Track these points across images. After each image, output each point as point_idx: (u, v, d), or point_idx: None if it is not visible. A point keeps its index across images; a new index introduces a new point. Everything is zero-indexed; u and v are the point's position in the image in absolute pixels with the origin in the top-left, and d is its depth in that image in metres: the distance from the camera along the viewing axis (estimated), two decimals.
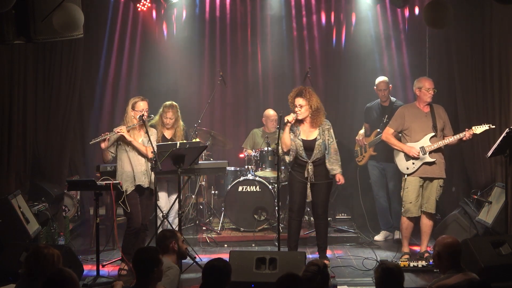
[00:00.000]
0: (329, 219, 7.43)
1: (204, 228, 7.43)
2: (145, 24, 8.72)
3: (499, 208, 6.19)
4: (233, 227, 7.44)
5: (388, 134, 6.38)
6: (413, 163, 6.17)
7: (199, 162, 6.54)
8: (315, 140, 6.08)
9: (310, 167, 6.06)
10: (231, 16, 8.81)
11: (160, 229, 5.97)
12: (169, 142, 6.57)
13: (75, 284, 3.55)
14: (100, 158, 6.34)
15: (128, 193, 5.97)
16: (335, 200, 7.95)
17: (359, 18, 8.58)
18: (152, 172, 6.05)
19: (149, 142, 5.99)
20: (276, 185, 6.67)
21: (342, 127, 8.47)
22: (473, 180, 7.07)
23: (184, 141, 6.54)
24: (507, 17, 6.54)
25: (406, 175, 6.22)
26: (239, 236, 7.25)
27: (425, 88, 6.23)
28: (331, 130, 6.15)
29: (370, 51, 8.53)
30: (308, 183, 6.07)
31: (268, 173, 7.41)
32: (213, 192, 7.88)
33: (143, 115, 6.02)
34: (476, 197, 6.67)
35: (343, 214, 7.92)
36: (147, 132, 6.01)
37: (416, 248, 6.56)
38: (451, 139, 6.13)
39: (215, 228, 7.43)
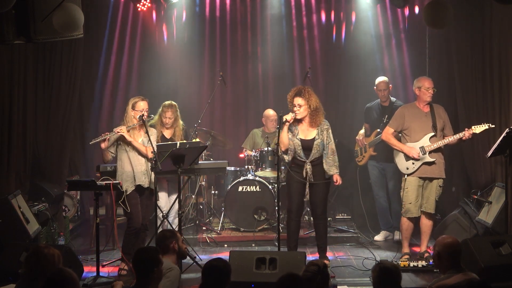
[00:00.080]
0: (329, 219, 7.46)
1: (204, 228, 7.43)
2: (145, 24, 8.73)
3: (499, 208, 6.19)
4: (233, 227, 7.44)
5: (388, 134, 6.38)
6: (413, 163, 6.17)
7: (199, 162, 6.54)
8: (313, 139, 6.08)
9: (308, 166, 6.06)
10: (231, 16, 8.81)
11: (160, 229, 5.97)
12: (169, 142, 6.57)
13: (76, 284, 3.56)
14: (100, 158, 6.34)
15: (128, 193, 5.97)
16: (335, 200, 7.96)
17: (359, 17, 8.58)
18: (152, 172, 6.05)
19: (149, 142, 5.99)
20: (276, 185, 6.67)
21: (342, 127, 8.49)
22: (473, 180, 7.07)
23: (184, 141, 6.54)
24: (507, 17, 6.54)
25: (406, 175, 6.22)
26: (239, 236, 7.25)
27: (425, 87, 6.23)
28: (330, 131, 6.15)
29: (370, 50, 8.53)
30: (307, 183, 6.07)
31: (268, 173, 7.41)
32: (213, 192, 7.88)
33: (143, 115, 6.02)
34: (476, 197, 6.67)
35: (343, 214, 7.92)
36: (147, 132, 6.01)
37: (416, 249, 6.55)
38: (450, 139, 6.13)
39: (215, 228, 7.43)
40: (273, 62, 8.81)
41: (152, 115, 6.39)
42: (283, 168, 6.59)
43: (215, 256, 6.05)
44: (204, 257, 6.42)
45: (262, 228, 7.32)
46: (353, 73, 8.64)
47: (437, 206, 6.34)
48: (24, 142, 6.80)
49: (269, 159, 7.37)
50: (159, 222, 6.36)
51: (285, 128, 6.03)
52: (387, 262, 3.92)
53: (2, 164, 6.41)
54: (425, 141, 6.16)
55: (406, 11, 8.48)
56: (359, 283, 5.56)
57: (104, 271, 6.04)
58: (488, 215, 6.33)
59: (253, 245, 7.07)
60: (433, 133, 6.17)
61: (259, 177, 7.36)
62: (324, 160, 6.10)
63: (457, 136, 6.11)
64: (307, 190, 6.08)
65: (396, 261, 5.93)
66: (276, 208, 6.35)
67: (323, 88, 8.71)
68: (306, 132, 6.12)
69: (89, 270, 6.01)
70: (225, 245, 7.07)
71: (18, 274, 4.23)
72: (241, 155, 7.79)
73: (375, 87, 7.31)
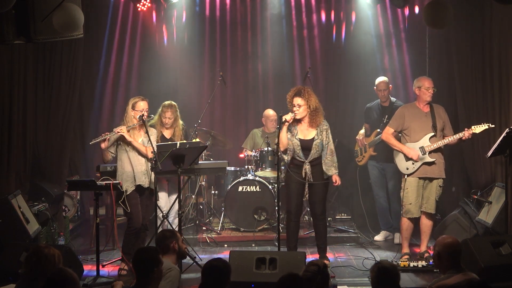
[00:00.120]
0: (329, 219, 7.48)
1: (204, 228, 7.43)
2: (145, 24, 8.73)
3: (499, 208, 6.19)
4: (233, 227, 7.44)
5: (388, 134, 6.38)
6: (413, 164, 6.16)
7: (199, 162, 6.54)
8: (312, 140, 6.08)
9: (307, 167, 6.06)
10: (231, 16, 8.81)
11: (160, 229, 5.97)
12: (169, 142, 6.57)
13: (76, 284, 3.56)
14: (100, 158, 6.35)
15: (128, 193, 5.97)
16: (335, 200, 7.96)
17: (359, 17, 8.58)
18: (152, 172, 6.05)
19: (149, 142, 5.99)
20: (276, 185, 6.67)
21: (342, 127, 8.49)
22: (473, 180, 7.07)
23: (184, 141, 6.55)
24: (507, 17, 6.54)
25: (406, 176, 6.22)
26: (239, 236, 7.25)
27: (425, 87, 6.23)
28: (329, 131, 6.14)
29: (370, 50, 8.53)
30: (306, 184, 6.06)
31: (268, 173, 7.41)
32: (213, 192, 7.88)
33: (143, 115, 6.02)
34: (476, 197, 6.66)
35: (343, 214, 7.91)
36: (147, 132, 6.01)
37: (417, 249, 6.55)
38: (450, 139, 6.13)
39: (215, 228, 7.43)
40: (273, 62, 8.80)
41: (152, 115, 6.39)
42: (283, 168, 6.59)
43: (215, 256, 6.06)
44: (204, 257, 6.42)
45: (262, 228, 7.31)
46: (353, 73, 8.63)
47: (437, 206, 6.33)
48: (24, 142, 6.80)
49: (269, 159, 7.37)
50: (159, 222, 6.36)
51: (284, 128, 6.02)
52: (385, 262, 3.92)
53: (2, 164, 6.41)
54: (425, 141, 6.16)
55: (406, 11, 8.48)
56: (359, 283, 5.55)
57: (104, 271, 6.04)
58: (488, 215, 6.33)
59: (253, 245, 7.07)
60: (433, 133, 6.17)
61: (259, 177, 7.36)
62: (323, 161, 6.09)
63: (457, 136, 6.11)
64: (306, 190, 6.08)
65: (396, 261, 5.94)
66: (276, 208, 6.35)
67: (323, 88, 8.71)
68: (305, 132, 6.12)
69: (89, 270, 6.02)
70: (225, 245, 7.07)
71: (18, 274, 4.23)
72: (241, 155, 7.79)
73: (375, 87, 7.31)
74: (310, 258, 6.06)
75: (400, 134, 6.36)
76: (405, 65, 8.54)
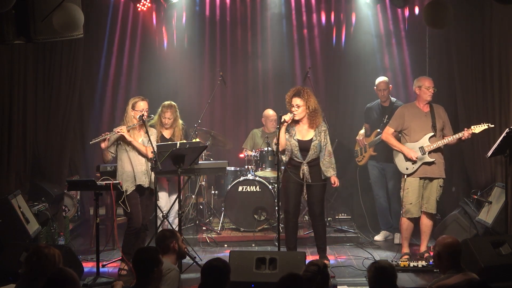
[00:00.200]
0: (329, 219, 7.49)
1: (204, 228, 7.43)
2: (145, 24, 8.73)
3: (499, 208, 6.18)
4: (233, 227, 7.44)
5: (388, 134, 6.38)
6: (413, 164, 6.16)
7: (199, 162, 6.54)
8: (311, 140, 6.07)
9: (305, 167, 6.05)
10: (231, 15, 8.82)
11: (160, 229, 5.97)
12: (169, 142, 6.57)
13: (76, 283, 3.56)
14: (100, 158, 6.35)
15: (128, 193, 5.97)
16: (335, 200, 7.95)
17: (359, 18, 8.59)
18: (152, 172, 6.05)
19: (149, 142, 5.99)
20: (276, 185, 6.67)
21: (342, 127, 8.50)
22: (473, 180, 7.07)
23: (184, 141, 6.55)
24: (507, 17, 6.54)
25: (405, 176, 6.22)
26: (239, 236, 7.25)
27: (425, 86, 6.23)
28: (327, 133, 6.14)
29: (370, 50, 8.54)
30: (304, 184, 6.06)
31: (268, 173, 7.41)
32: (213, 192, 7.88)
33: (143, 115, 6.02)
34: (476, 197, 6.66)
35: (343, 214, 7.91)
36: (147, 132, 6.01)
37: (417, 250, 6.55)
38: (450, 139, 6.13)
39: (215, 228, 7.43)
40: (273, 62, 8.80)
41: (152, 115, 6.39)
42: (283, 168, 6.59)
43: (215, 256, 6.05)
44: (204, 257, 6.42)
45: (262, 228, 7.31)
46: (353, 73, 8.64)
47: (437, 206, 6.33)
48: (24, 142, 6.80)
49: (269, 159, 7.37)
50: (159, 222, 6.36)
51: (283, 128, 6.01)
52: (382, 262, 3.92)
53: (2, 164, 6.41)
54: (424, 141, 6.16)
55: (406, 11, 8.48)
56: (359, 283, 5.55)
57: (104, 271, 6.04)
58: (488, 215, 6.33)
59: (253, 245, 7.07)
60: (432, 133, 6.17)
61: (259, 177, 7.36)
62: (321, 162, 6.09)
63: (456, 136, 6.11)
64: (304, 191, 6.08)
65: (396, 261, 5.94)
66: (276, 208, 6.35)
67: (323, 88, 8.71)
68: (304, 133, 6.11)
69: (89, 270, 6.01)
70: (225, 245, 7.07)
71: (18, 274, 4.23)
72: (241, 155, 7.79)
73: (375, 87, 7.31)
74: (310, 258, 6.07)
75: (400, 134, 6.36)
76: (405, 65, 8.55)
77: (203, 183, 7.66)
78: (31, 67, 6.95)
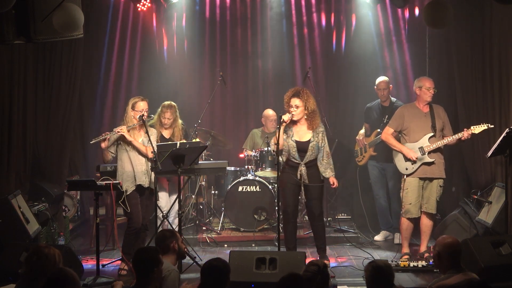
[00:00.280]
0: (329, 219, 7.49)
1: (204, 228, 7.43)
2: (145, 24, 8.74)
3: (499, 208, 6.18)
4: (233, 227, 7.44)
5: (387, 134, 6.38)
6: (412, 164, 6.16)
7: (199, 162, 6.54)
8: (308, 141, 6.07)
9: (302, 168, 6.05)
10: (231, 15, 8.82)
11: (160, 229, 5.97)
12: (169, 142, 6.57)
13: (76, 283, 3.56)
14: (100, 158, 6.35)
15: (128, 193, 5.97)
16: (335, 200, 7.95)
17: (359, 18, 8.60)
18: (152, 172, 6.05)
19: (149, 142, 5.99)
20: (276, 185, 6.67)
21: (342, 127, 8.50)
22: (473, 180, 7.07)
23: (184, 141, 6.55)
24: (507, 17, 6.54)
25: (405, 176, 6.22)
26: (239, 236, 7.25)
27: (425, 87, 6.23)
28: (325, 134, 6.15)
29: (370, 50, 8.55)
30: (302, 185, 6.05)
31: (268, 173, 7.41)
32: (213, 192, 7.88)
33: (143, 115, 6.02)
34: (476, 197, 6.66)
35: (343, 214, 7.92)
36: (147, 132, 6.01)
37: (417, 249, 6.55)
38: (449, 139, 6.13)
39: (215, 228, 7.43)
40: (273, 61, 8.81)
41: (152, 115, 6.39)
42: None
43: (215, 256, 6.05)
44: (204, 257, 6.42)
45: (262, 228, 7.31)
46: (353, 73, 8.65)
47: (437, 206, 6.33)
48: (24, 142, 6.80)
49: (269, 159, 7.37)
50: (159, 222, 6.36)
51: (282, 128, 6.01)
52: (379, 261, 3.92)
53: (2, 164, 6.40)
54: (424, 141, 6.16)
55: (406, 11, 8.49)
56: (359, 283, 5.54)
57: (104, 271, 6.04)
58: (488, 215, 6.33)
59: (253, 245, 7.07)
60: (432, 134, 6.17)
61: (259, 177, 7.36)
62: (319, 163, 6.09)
63: (456, 137, 6.11)
64: (302, 192, 6.07)
65: (396, 261, 5.94)
66: (276, 208, 6.35)
67: (323, 88, 8.71)
68: (301, 134, 6.11)
69: (89, 270, 6.01)
70: (225, 245, 7.07)
71: (18, 274, 4.22)
72: (241, 155, 7.79)
73: (375, 87, 7.31)
74: (310, 258, 6.07)
75: (399, 134, 6.36)
76: (405, 65, 8.55)
77: (203, 183, 7.66)
78: (31, 67, 6.95)
